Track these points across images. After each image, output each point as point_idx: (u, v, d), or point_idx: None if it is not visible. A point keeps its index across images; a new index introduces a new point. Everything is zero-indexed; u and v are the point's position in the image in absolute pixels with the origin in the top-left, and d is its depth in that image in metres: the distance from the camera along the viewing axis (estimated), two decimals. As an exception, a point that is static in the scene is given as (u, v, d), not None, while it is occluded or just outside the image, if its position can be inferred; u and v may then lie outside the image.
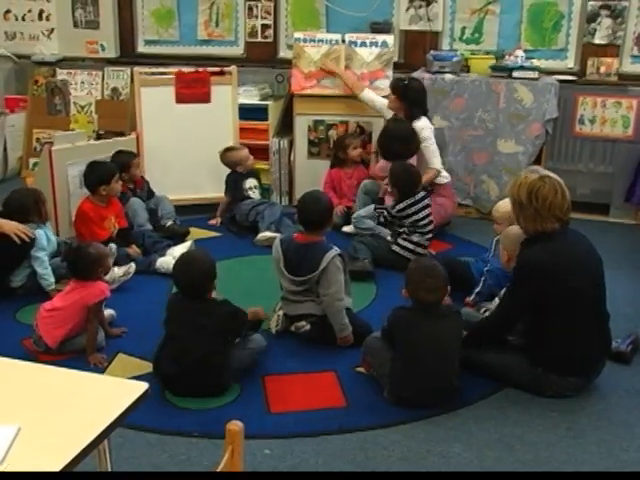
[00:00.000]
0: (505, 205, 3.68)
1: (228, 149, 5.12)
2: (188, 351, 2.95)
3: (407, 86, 4.90)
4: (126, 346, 3.38)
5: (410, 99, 4.87)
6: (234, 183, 5.06)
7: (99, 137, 5.70)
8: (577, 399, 3.02)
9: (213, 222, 5.07)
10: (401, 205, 4.37)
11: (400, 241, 4.35)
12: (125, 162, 4.75)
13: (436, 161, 4.87)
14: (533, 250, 2.97)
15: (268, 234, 4.62)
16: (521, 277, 3.00)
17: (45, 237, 3.92)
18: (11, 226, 3.74)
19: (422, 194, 4.40)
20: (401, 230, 4.38)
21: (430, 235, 4.42)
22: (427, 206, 4.39)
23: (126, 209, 4.62)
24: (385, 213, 4.45)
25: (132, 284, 4.03)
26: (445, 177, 4.98)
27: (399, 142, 4.68)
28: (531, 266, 2.95)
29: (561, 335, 2.95)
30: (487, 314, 3.36)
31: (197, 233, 4.84)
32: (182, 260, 3.17)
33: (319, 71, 5.40)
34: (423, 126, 4.83)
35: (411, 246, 4.33)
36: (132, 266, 4.08)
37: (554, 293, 2.90)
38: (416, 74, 5.32)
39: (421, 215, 4.36)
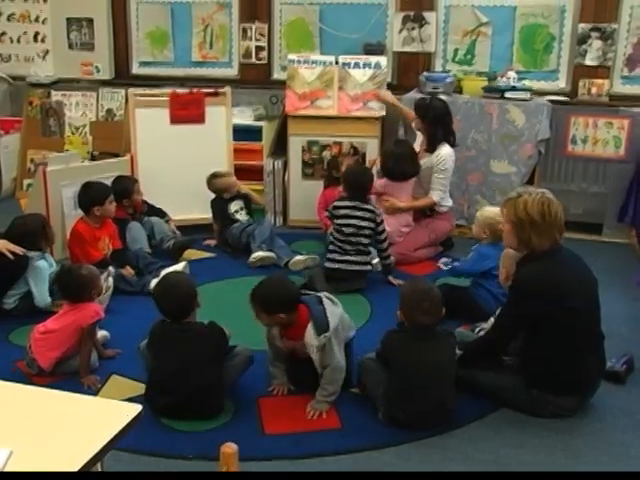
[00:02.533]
0: (491, 211, 3.85)
1: (215, 175, 5.07)
2: (181, 380, 2.92)
3: (429, 105, 4.89)
4: (120, 368, 3.36)
5: (431, 119, 4.85)
6: (219, 209, 5.04)
7: (93, 158, 5.71)
8: (573, 419, 3.01)
9: (209, 242, 5.06)
10: (337, 203, 4.40)
11: (328, 254, 4.37)
12: (126, 188, 4.76)
13: (437, 194, 4.87)
14: (530, 269, 2.98)
15: (261, 254, 4.62)
16: (517, 296, 3.00)
17: (47, 268, 3.92)
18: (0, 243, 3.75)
19: (369, 211, 4.33)
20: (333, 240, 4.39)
21: (358, 256, 4.32)
22: (360, 225, 4.31)
23: (126, 234, 4.65)
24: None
25: (126, 305, 4.01)
26: (446, 205, 4.99)
27: (399, 163, 4.74)
28: (527, 285, 2.95)
29: (557, 355, 2.94)
30: (481, 333, 3.35)
31: (192, 254, 4.83)
32: (162, 283, 3.17)
33: (313, 92, 5.42)
34: (445, 156, 4.81)
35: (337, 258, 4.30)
36: (109, 280, 4.04)
37: (550, 312, 2.90)
38: (409, 95, 5.37)
39: (346, 222, 4.31)
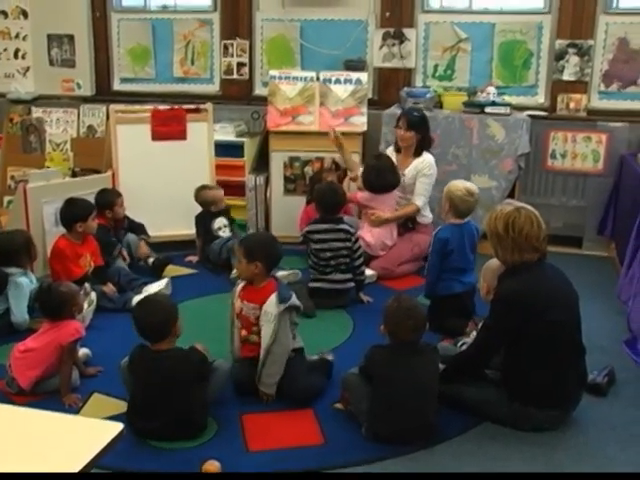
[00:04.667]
0: (454, 184, 4.03)
1: (204, 187, 5.09)
2: (162, 408, 2.89)
3: (423, 118, 4.97)
4: (101, 386, 3.32)
5: (424, 131, 4.96)
6: (203, 224, 5.03)
7: (74, 175, 5.67)
8: (555, 432, 3.02)
9: (191, 259, 5.04)
10: (311, 227, 4.39)
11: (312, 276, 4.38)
12: (110, 200, 4.76)
13: (421, 199, 4.93)
14: (511, 282, 2.99)
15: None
16: (499, 309, 3.01)
17: (28, 285, 3.89)
18: None
19: (343, 231, 4.33)
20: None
21: (337, 274, 4.33)
22: (337, 247, 4.31)
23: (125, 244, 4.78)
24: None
25: (108, 323, 3.98)
26: (428, 217, 5.03)
27: (381, 175, 4.79)
28: (509, 298, 2.96)
29: (539, 368, 2.95)
30: (464, 347, 3.36)
31: (174, 270, 4.81)
32: (141, 303, 3.14)
33: (294, 108, 5.43)
34: (430, 162, 4.94)
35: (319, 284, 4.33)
36: (92, 295, 4.01)
37: (532, 326, 2.91)
38: (390, 111, 5.40)
39: (322, 247, 4.31)
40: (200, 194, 5.06)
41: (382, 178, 4.81)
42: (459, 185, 4.02)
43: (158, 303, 3.09)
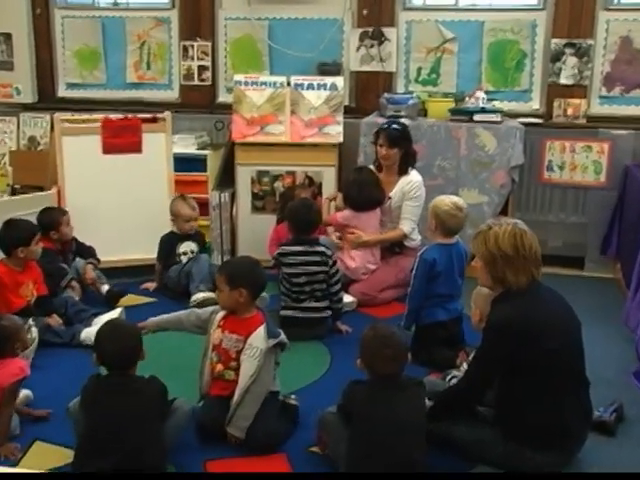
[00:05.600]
0: (441, 199, 4.07)
1: (183, 198, 5.10)
2: (117, 441, 2.84)
3: (404, 131, 4.96)
4: (44, 432, 3.26)
5: (407, 145, 4.95)
6: (168, 246, 5.03)
7: (14, 192, 5.63)
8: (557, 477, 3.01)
9: (147, 286, 5.01)
10: (283, 249, 4.39)
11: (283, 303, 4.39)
12: (55, 220, 4.75)
13: (408, 224, 4.94)
14: (504, 309, 2.99)
15: (201, 295, 4.63)
16: (492, 337, 3.01)
17: None
18: None
19: (319, 254, 4.33)
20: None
21: (311, 302, 4.34)
22: (312, 272, 4.32)
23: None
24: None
25: (53, 360, 3.93)
26: (416, 241, 5.04)
27: (363, 190, 4.83)
28: (503, 325, 2.96)
29: (536, 404, 2.95)
30: (453, 381, 3.36)
31: (129, 299, 4.78)
32: (107, 327, 3.13)
33: (262, 117, 5.45)
34: (417, 183, 4.94)
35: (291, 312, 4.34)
36: (33, 331, 3.97)
37: (527, 356, 2.91)
38: (368, 119, 5.44)
39: (296, 272, 4.32)
40: (175, 202, 5.07)
41: (365, 193, 4.84)
42: (445, 200, 4.06)
43: (125, 327, 3.13)
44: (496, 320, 3.01)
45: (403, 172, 4.96)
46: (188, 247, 5.07)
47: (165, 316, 3.59)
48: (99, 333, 3.11)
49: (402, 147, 4.92)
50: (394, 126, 4.96)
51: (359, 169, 5.08)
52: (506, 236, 3.00)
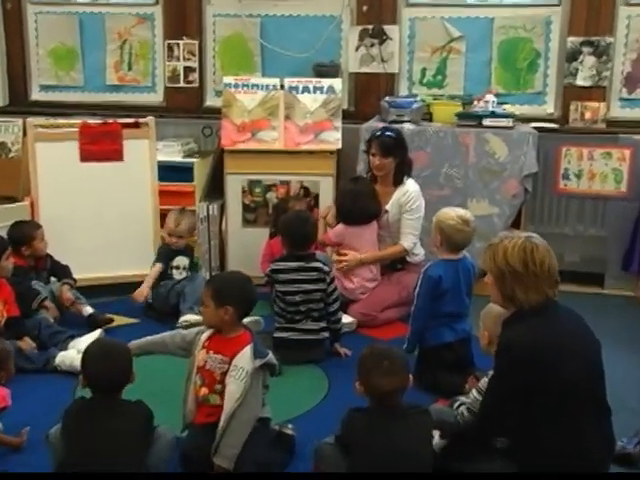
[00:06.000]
0: (445, 212, 4.04)
1: (177, 209, 5.13)
2: (99, 468, 2.84)
3: (398, 138, 4.96)
4: (13, 464, 3.24)
5: (403, 154, 4.95)
6: (164, 257, 5.04)
7: (-17, 204, 5.62)
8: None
9: (138, 295, 4.91)
10: (276, 266, 4.38)
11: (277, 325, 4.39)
12: (27, 234, 4.75)
13: (409, 239, 4.93)
14: (516, 331, 2.97)
15: (191, 317, 4.63)
16: (503, 363, 2.99)
17: None
18: None
19: (315, 270, 4.34)
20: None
21: (308, 324, 4.35)
22: (308, 290, 4.32)
23: None
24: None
25: (24, 387, 3.88)
26: (419, 256, 5.04)
27: (359, 201, 4.83)
28: (515, 350, 2.94)
29: (553, 434, 2.93)
30: (462, 409, 3.34)
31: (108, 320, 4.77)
32: (96, 346, 3.15)
33: (254, 122, 5.46)
34: (414, 193, 4.92)
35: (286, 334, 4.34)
36: None
37: (542, 381, 2.90)
38: (369, 124, 5.45)
39: (291, 290, 4.32)
40: (180, 217, 5.08)
41: (360, 205, 4.84)
42: (451, 213, 4.05)
43: (115, 346, 3.12)
44: (507, 343, 2.99)
45: (398, 182, 4.95)
46: (181, 262, 5.08)
47: (148, 338, 3.57)
48: (87, 352, 3.11)
49: (397, 156, 4.91)
50: (387, 133, 4.95)
51: (354, 179, 5.09)
52: (515, 250, 2.98)
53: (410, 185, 4.95)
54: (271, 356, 3.27)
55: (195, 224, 5.33)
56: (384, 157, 4.89)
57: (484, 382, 3.20)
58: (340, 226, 4.92)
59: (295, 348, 4.26)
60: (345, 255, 4.87)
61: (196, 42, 6.10)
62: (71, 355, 4.08)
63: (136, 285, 5.03)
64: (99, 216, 5.19)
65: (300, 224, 4.48)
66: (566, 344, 2.95)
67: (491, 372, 3.13)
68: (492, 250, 3.06)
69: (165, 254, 5.06)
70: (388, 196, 4.96)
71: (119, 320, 4.84)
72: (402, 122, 5.33)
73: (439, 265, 4.04)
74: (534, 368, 2.89)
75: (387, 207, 4.94)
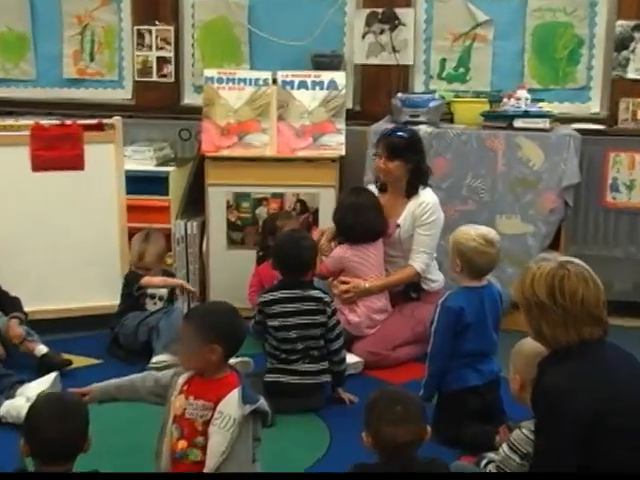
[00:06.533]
0: (463, 230, 4.01)
1: (146, 231, 5.19)
2: None
3: (411, 140, 4.97)
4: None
5: (415, 158, 4.93)
6: (130, 287, 5.05)
7: None
8: None
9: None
10: (267, 296, 4.39)
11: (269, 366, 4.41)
12: None
13: (421, 259, 4.93)
14: (551, 375, 2.95)
15: (166, 358, 4.65)
16: (543, 416, 2.96)
17: None
18: None
19: (314, 300, 4.35)
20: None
21: (306, 364, 4.36)
22: (306, 324, 4.33)
23: None
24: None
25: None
26: (437, 282, 5.06)
27: (362, 215, 4.85)
28: (552, 400, 2.92)
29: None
30: (491, 468, 3.36)
31: (65, 360, 4.78)
32: (42, 403, 3.04)
33: (241, 124, 5.50)
34: (432, 204, 4.93)
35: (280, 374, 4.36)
36: None
37: (589, 435, 2.88)
38: (378, 126, 5.45)
39: (285, 324, 4.33)
40: (149, 238, 5.15)
41: (363, 220, 4.84)
42: (470, 232, 4.04)
43: (68, 404, 3.01)
44: (542, 391, 2.95)
45: (412, 193, 4.96)
46: (158, 290, 5.11)
47: (114, 381, 3.52)
48: (31, 412, 3.00)
49: (407, 160, 4.90)
50: (399, 133, 4.97)
51: (356, 190, 5.10)
52: (543, 278, 2.96)
53: (427, 195, 4.96)
54: (263, 402, 3.26)
55: (164, 248, 5.32)
56: (389, 160, 4.90)
57: (517, 435, 3.21)
58: (338, 249, 4.94)
59: (290, 394, 4.27)
60: (347, 283, 4.89)
61: (171, 28, 6.12)
62: (19, 404, 4.03)
63: (100, 319, 5.06)
64: (55, 236, 5.19)
65: (295, 245, 4.46)
66: (614, 390, 2.90)
67: (525, 423, 3.16)
68: (521, 277, 3.04)
69: (129, 287, 5.05)
70: (400, 208, 4.98)
71: (78, 361, 4.83)
72: (417, 123, 5.35)
73: (460, 294, 4.05)
74: (578, 417, 2.84)
75: (399, 221, 4.95)
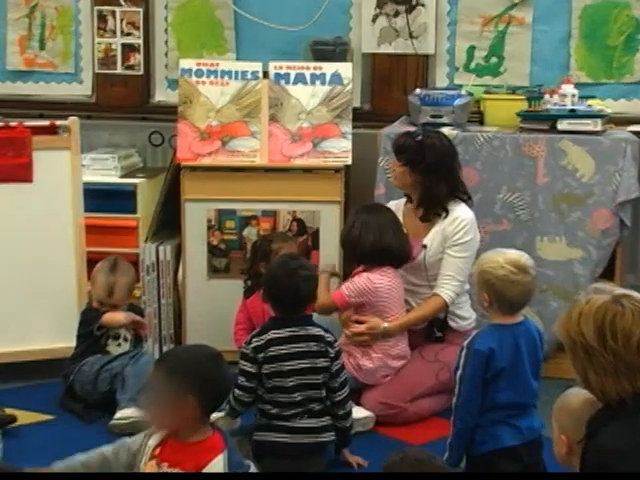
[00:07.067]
0: (489, 257, 3.95)
1: (114, 265, 5.15)
2: None
3: (422, 144, 4.94)
4: None
5: (427, 169, 4.89)
6: (88, 325, 5.04)
7: None
8: None
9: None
10: (258, 340, 4.32)
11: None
12: None
13: (451, 288, 4.91)
14: (612, 435, 2.96)
15: (134, 413, 4.61)
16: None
17: None
18: None
19: (314, 340, 4.32)
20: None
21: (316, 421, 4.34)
22: (304, 369, 4.29)
23: None
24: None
25: None
26: (467, 319, 5.06)
27: (382, 237, 4.81)
28: (608, 465, 2.93)
29: None
30: None
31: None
32: None
33: (225, 126, 5.52)
34: (468, 220, 4.92)
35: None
36: None
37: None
38: (391, 129, 5.48)
39: (280, 370, 4.29)
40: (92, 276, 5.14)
41: (384, 242, 4.81)
42: (497, 259, 3.93)
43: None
44: (596, 457, 2.97)
45: (428, 216, 4.96)
46: (123, 330, 5.10)
47: (81, 458, 3.38)
48: None
49: (411, 163, 4.87)
50: (417, 134, 4.94)
51: (372, 207, 5.09)
52: (591, 315, 2.94)
53: (462, 211, 4.94)
54: (253, 469, 3.28)
55: (134, 280, 5.32)
56: (399, 164, 4.93)
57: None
58: (365, 277, 4.85)
59: (287, 456, 4.26)
60: (362, 322, 4.84)
61: (140, 9, 6.17)
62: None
63: (51, 364, 5.06)
64: (-2, 263, 5.24)
65: (290, 275, 4.40)
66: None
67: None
68: (568, 312, 3.04)
69: (89, 324, 5.04)
70: (426, 226, 4.99)
71: (25, 417, 4.83)
72: (439, 125, 5.36)
73: (489, 334, 4.01)
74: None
75: (425, 241, 4.94)
